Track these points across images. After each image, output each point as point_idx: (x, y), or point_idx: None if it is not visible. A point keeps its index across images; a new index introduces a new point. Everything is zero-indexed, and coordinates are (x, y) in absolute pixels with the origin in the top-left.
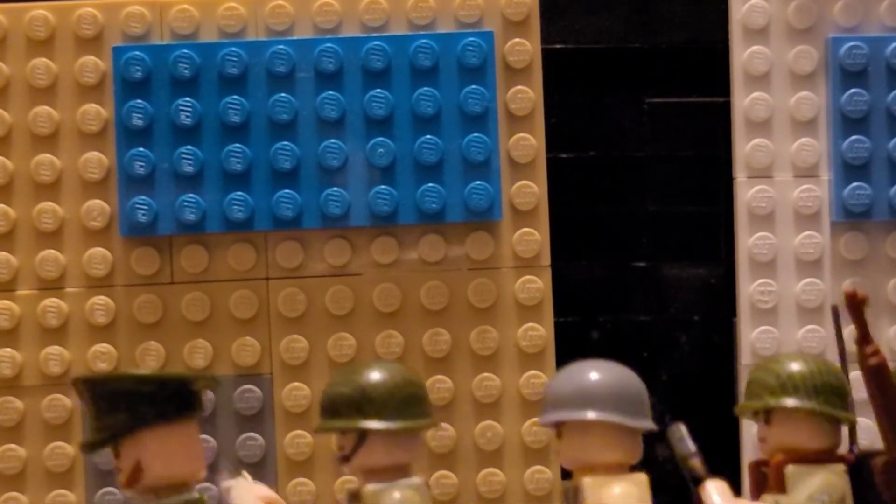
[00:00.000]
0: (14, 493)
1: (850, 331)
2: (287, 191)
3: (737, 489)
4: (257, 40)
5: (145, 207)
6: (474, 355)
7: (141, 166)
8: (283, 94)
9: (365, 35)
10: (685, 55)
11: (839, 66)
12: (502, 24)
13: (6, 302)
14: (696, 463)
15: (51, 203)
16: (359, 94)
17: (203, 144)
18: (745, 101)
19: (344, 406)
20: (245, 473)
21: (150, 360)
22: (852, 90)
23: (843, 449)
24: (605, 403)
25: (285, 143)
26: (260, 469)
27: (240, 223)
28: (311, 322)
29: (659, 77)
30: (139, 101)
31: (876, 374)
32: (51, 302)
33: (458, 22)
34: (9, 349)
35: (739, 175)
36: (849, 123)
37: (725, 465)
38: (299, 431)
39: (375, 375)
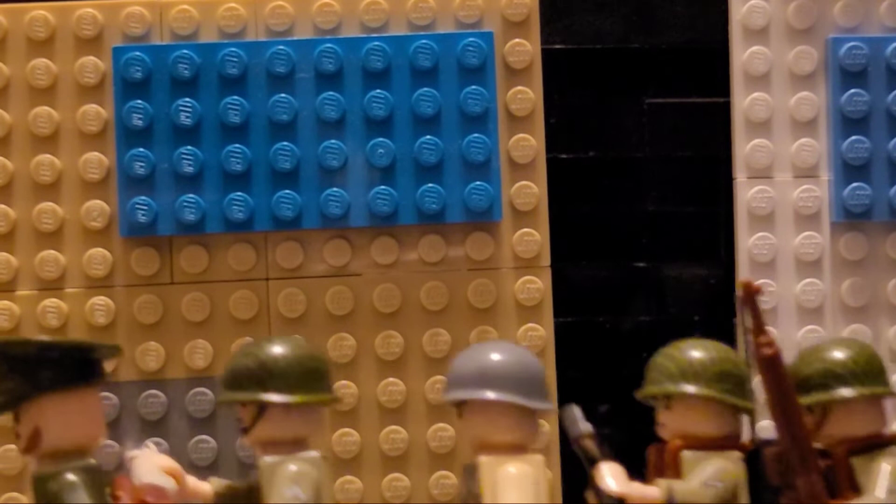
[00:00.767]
0: (14, 494)
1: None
2: (287, 191)
3: None
4: (257, 41)
5: (145, 208)
6: None
7: (141, 166)
8: (283, 95)
9: (365, 35)
10: (685, 55)
11: (839, 66)
12: (502, 24)
13: (6, 302)
14: (590, 444)
15: (51, 203)
16: (359, 94)
17: (203, 145)
18: (744, 102)
19: (245, 378)
20: (149, 443)
21: (150, 360)
22: (852, 90)
23: (748, 437)
24: (504, 384)
25: (285, 143)
26: None
27: (240, 223)
28: (311, 322)
29: (659, 77)
30: (139, 101)
31: (770, 366)
32: (51, 302)
33: (457, 22)
34: None
35: (739, 175)
36: (849, 124)
37: None
38: None
39: (277, 349)
